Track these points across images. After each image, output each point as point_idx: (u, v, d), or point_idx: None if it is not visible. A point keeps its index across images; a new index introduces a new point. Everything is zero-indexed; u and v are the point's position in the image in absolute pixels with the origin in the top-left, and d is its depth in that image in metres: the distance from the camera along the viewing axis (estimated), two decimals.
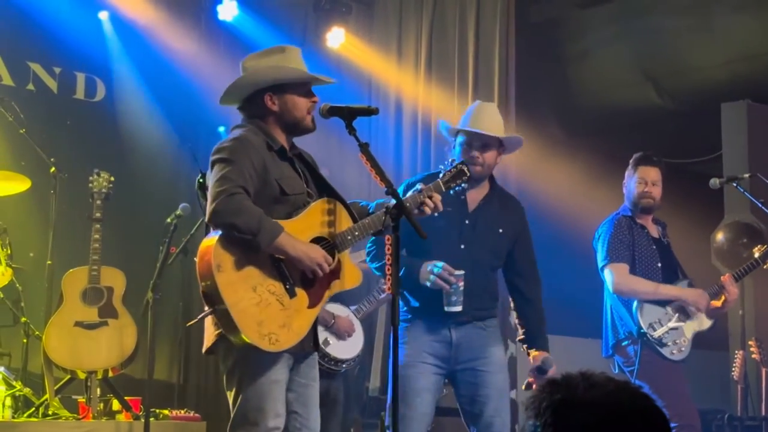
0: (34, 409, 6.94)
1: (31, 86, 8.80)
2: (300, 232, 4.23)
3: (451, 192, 4.73)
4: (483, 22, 8.75)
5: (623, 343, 6.13)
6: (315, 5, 9.45)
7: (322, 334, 6.11)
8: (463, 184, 4.69)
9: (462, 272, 4.85)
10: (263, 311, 4.10)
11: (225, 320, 4.06)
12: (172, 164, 8.99)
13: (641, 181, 6.23)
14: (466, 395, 5.09)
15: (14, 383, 7.00)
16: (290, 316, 4.16)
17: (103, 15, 9.00)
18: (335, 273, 4.29)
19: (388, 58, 9.28)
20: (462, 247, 5.06)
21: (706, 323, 6.21)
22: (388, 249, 4.10)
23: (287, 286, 4.17)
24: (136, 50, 9.11)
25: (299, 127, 4.44)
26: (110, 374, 7.06)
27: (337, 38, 9.33)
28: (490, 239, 5.14)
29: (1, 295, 7.39)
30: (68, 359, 6.95)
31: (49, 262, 7.50)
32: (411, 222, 4.18)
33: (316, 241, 4.26)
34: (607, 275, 6.16)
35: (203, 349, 4.32)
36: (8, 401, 6.77)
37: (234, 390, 4.22)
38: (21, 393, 6.99)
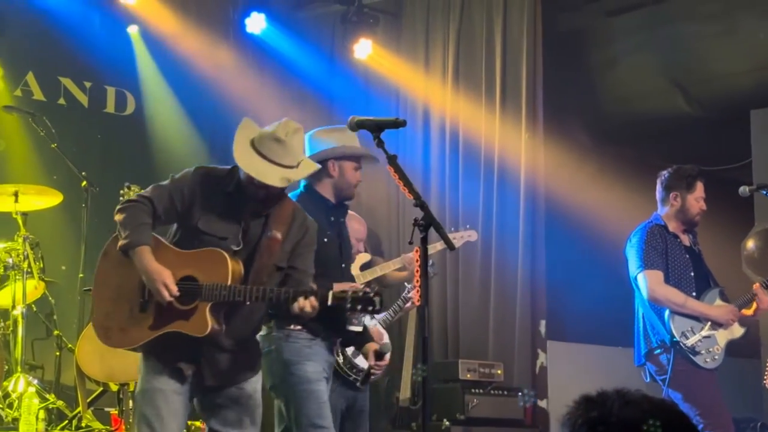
0: (67, 421, 6.99)
1: (62, 101, 8.89)
2: (178, 262, 4.41)
3: (332, 219, 5.19)
4: (510, 31, 8.75)
5: (656, 352, 6.10)
6: (342, 17, 9.48)
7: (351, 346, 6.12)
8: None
9: None
10: (114, 308, 4.46)
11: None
12: None
13: (700, 197, 6.23)
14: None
15: (48, 396, 7.06)
16: (132, 326, 4.43)
17: (133, 29, 9.07)
18: (184, 314, 4.38)
19: (416, 68, 9.29)
20: (343, 266, 5.31)
21: (738, 331, 6.18)
22: (417, 260, 4.10)
23: (141, 300, 4.41)
24: (165, 64, 9.18)
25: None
26: None
27: (364, 49, 9.36)
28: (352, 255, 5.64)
29: (35, 309, 7.46)
30: (100, 371, 6.99)
31: (81, 275, 7.57)
32: (440, 234, 4.19)
33: (187, 278, 4.39)
34: (641, 282, 6.13)
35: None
36: (42, 414, 6.82)
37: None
38: (54, 405, 7.04)
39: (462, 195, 8.80)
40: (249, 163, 4.42)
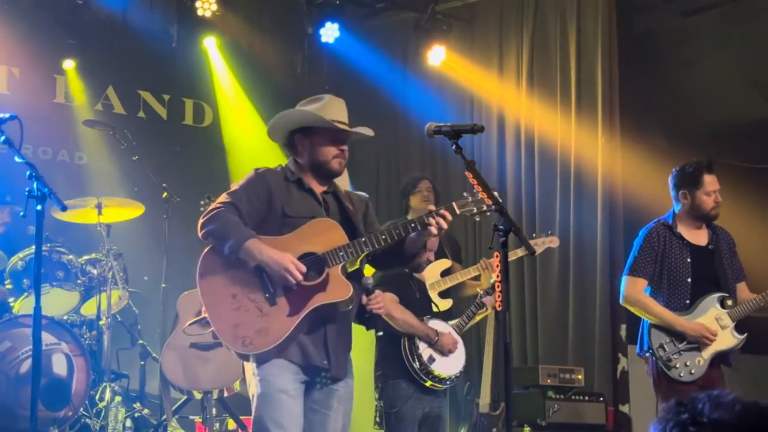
0: (152, 429, 7.10)
1: (141, 114, 9.05)
2: (289, 245, 4.40)
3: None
4: (584, 34, 8.70)
5: (646, 354, 6.05)
6: (415, 24, 9.50)
7: (426, 352, 6.14)
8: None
9: None
10: (240, 316, 4.35)
11: (209, 324, 4.45)
12: None
13: (711, 190, 6.08)
14: None
15: (133, 404, 7.17)
16: (268, 323, 4.35)
17: (209, 42, 9.19)
18: (321, 286, 4.39)
19: (490, 74, 9.28)
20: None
21: (728, 342, 5.95)
22: (497, 266, 4.11)
23: (267, 295, 4.36)
24: (241, 75, 9.30)
25: (323, 169, 4.63)
26: (225, 394, 7.18)
27: (438, 56, 9.37)
28: None
29: (119, 319, 7.59)
30: (184, 380, 7.08)
31: (163, 285, 7.69)
32: (519, 238, 4.19)
33: (305, 255, 4.40)
34: (622, 284, 6.11)
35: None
36: (128, 422, 6.95)
37: (251, 396, 4.48)
38: (140, 414, 7.16)
39: (539, 200, 8.77)
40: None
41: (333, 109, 4.63)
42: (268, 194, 4.50)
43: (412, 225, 4.41)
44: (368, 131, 4.69)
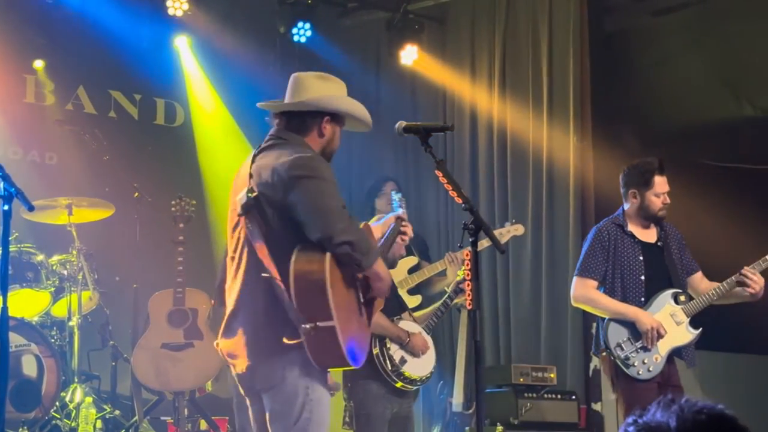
0: (124, 430, 7.08)
1: (112, 113, 9.00)
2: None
3: None
4: (556, 34, 8.73)
5: (603, 354, 6.07)
6: (387, 24, 9.50)
7: (398, 353, 6.12)
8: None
9: None
10: (354, 328, 4.09)
11: (327, 337, 3.97)
12: None
13: (660, 192, 6.06)
14: None
15: (104, 405, 7.14)
16: (364, 335, 4.18)
17: (180, 41, 9.16)
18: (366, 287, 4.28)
19: (462, 73, 9.29)
20: None
21: (683, 338, 5.95)
22: (467, 264, 4.11)
23: (359, 305, 4.20)
24: (212, 74, 9.26)
25: (329, 157, 4.37)
26: (197, 395, 7.17)
27: (410, 55, 9.38)
28: None
29: (90, 320, 7.56)
30: (156, 381, 7.07)
31: (135, 285, 7.65)
32: (490, 237, 4.20)
33: None
34: (572, 285, 6.13)
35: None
36: (99, 423, 6.92)
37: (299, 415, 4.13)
38: (111, 415, 7.13)
39: (510, 200, 8.78)
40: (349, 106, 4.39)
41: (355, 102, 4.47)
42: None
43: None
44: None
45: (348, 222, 4.04)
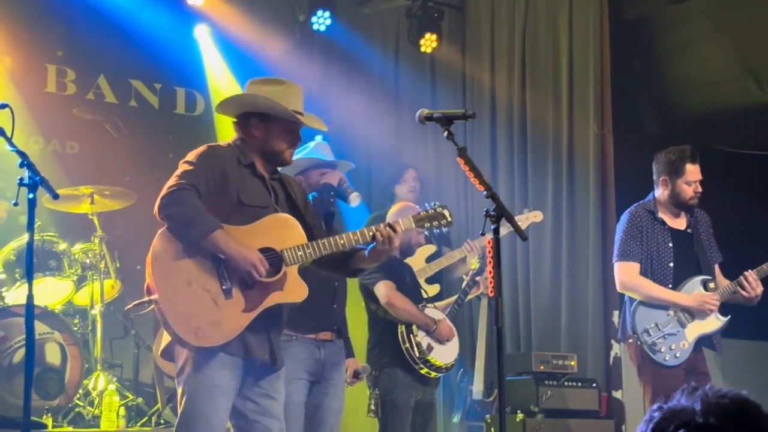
0: (146, 418, 7.12)
1: (133, 103, 9.03)
2: (248, 238, 4.30)
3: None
4: (576, 21, 8.70)
5: (629, 340, 6.07)
6: (407, 12, 9.50)
7: (425, 340, 6.14)
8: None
9: None
10: (194, 305, 4.19)
11: (159, 311, 4.22)
12: None
13: (692, 180, 6.07)
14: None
15: (127, 393, 7.19)
16: (223, 316, 4.21)
17: (200, 30, 9.18)
18: (278, 284, 4.31)
19: (481, 61, 9.28)
20: None
21: (712, 324, 6.00)
22: (489, 252, 4.12)
23: (224, 287, 4.23)
24: (232, 63, 9.27)
25: (276, 159, 4.55)
26: None
27: (429, 43, 9.38)
28: None
29: (112, 308, 7.60)
30: None
31: None
32: (512, 224, 4.20)
33: (264, 250, 4.30)
34: (615, 272, 6.11)
35: (158, 353, 4.41)
36: (122, 411, 6.96)
37: (180, 390, 4.34)
38: (134, 403, 7.17)
39: (531, 187, 8.76)
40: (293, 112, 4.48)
41: (293, 99, 4.54)
42: (224, 176, 4.36)
43: (371, 233, 4.41)
44: (322, 125, 4.65)
45: (174, 196, 4.17)
